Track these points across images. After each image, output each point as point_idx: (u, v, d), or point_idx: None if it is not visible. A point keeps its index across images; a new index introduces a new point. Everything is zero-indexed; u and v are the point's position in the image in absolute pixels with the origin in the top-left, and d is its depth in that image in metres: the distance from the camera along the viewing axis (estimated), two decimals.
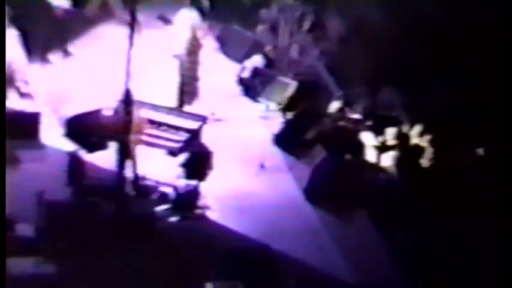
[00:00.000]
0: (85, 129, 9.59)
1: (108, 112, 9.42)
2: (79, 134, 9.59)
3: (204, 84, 11.06)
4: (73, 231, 8.36)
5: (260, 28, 12.58)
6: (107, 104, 9.43)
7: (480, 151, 9.81)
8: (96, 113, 9.65)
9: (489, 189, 9.06)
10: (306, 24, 12.37)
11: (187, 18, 10.89)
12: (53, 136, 9.87)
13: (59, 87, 10.88)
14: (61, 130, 9.76)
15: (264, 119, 11.35)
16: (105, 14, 12.43)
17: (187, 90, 10.94)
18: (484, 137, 9.62)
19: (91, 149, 9.51)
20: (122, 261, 8.26)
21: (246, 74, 12.02)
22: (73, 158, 9.34)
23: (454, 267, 8.57)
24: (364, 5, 11.52)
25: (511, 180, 8.83)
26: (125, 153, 8.93)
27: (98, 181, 9.22)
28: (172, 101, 10.87)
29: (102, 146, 9.45)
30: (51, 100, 10.55)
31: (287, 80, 11.67)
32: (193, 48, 10.83)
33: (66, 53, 11.82)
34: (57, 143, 9.77)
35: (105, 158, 9.33)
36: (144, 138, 9.45)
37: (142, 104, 9.67)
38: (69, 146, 9.54)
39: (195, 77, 10.98)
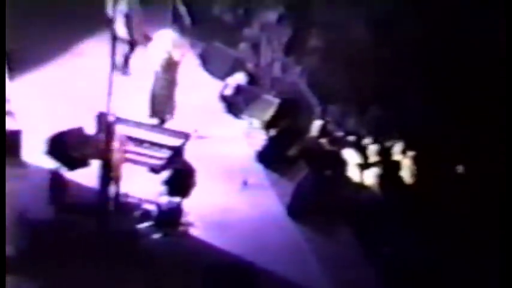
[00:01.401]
0: (66, 147, 9.53)
1: (89, 130, 9.39)
2: (60, 152, 9.52)
3: (186, 101, 11.07)
4: (55, 250, 8.28)
5: (242, 46, 12.64)
6: (89, 122, 9.40)
7: (460, 168, 9.88)
8: (77, 131, 9.61)
9: (471, 204, 9.12)
10: (288, 42, 12.45)
11: (165, 38, 10.93)
12: (34, 154, 9.80)
13: (40, 105, 10.84)
14: (42, 148, 9.69)
15: (247, 136, 11.37)
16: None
17: (162, 108, 10.94)
18: (467, 153, 9.69)
19: (72, 166, 9.45)
20: (104, 279, 8.19)
21: (228, 92, 12.05)
22: (54, 175, 9.29)
23: (437, 282, 8.59)
24: (346, 22, 11.62)
25: (494, 195, 8.90)
26: (107, 171, 8.89)
27: (79, 199, 9.16)
28: (153, 119, 10.87)
29: (83, 164, 9.40)
30: (33, 118, 10.50)
31: (270, 97, 11.72)
32: (170, 66, 10.85)
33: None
34: (39, 161, 9.70)
35: (86, 176, 9.28)
36: (127, 155, 9.43)
37: (125, 121, 9.66)
38: (51, 163, 9.48)
39: (170, 95, 10.98)
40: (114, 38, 8.77)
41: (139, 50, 11.96)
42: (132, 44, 11.94)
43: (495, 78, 9.24)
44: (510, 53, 9.02)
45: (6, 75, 10.59)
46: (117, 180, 9.07)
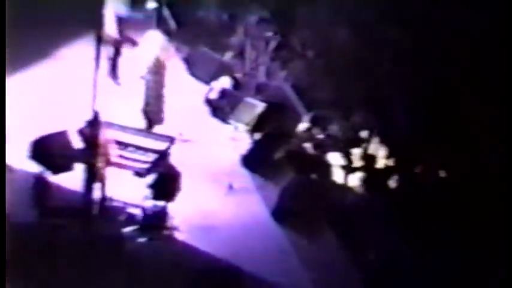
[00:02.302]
0: (50, 150, 9.48)
1: (74, 133, 9.34)
2: (44, 156, 9.46)
3: (172, 105, 11.05)
4: (38, 254, 8.22)
5: (228, 50, 12.65)
6: (73, 125, 9.35)
7: (443, 172, 9.94)
8: (62, 135, 9.55)
9: (456, 208, 9.17)
10: (273, 47, 12.47)
11: (153, 40, 10.91)
12: (18, 158, 9.73)
13: (23, 109, 10.77)
14: (26, 152, 9.62)
15: (232, 140, 11.37)
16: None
17: (152, 111, 10.92)
18: (451, 157, 9.75)
19: (56, 170, 9.39)
20: (89, 283, 8.14)
21: (213, 95, 12.05)
22: (38, 179, 9.23)
23: (423, 286, 8.62)
24: (331, 27, 11.66)
25: (479, 198, 8.96)
26: (92, 175, 8.85)
27: (63, 203, 9.11)
28: (140, 122, 10.83)
29: (67, 168, 9.34)
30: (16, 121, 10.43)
31: (255, 101, 11.73)
32: (158, 69, 10.84)
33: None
34: (22, 165, 9.63)
35: (71, 180, 9.22)
36: (111, 159, 9.39)
37: (110, 124, 9.62)
38: (35, 167, 9.41)
39: (159, 98, 10.96)
40: (99, 40, 8.75)
41: (126, 54, 11.95)
42: (119, 48, 11.92)
43: (481, 82, 9.31)
44: (496, 56, 9.09)
45: None
46: (101, 184, 9.03)
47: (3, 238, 7.40)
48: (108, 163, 9.13)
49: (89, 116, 8.95)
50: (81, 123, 9.12)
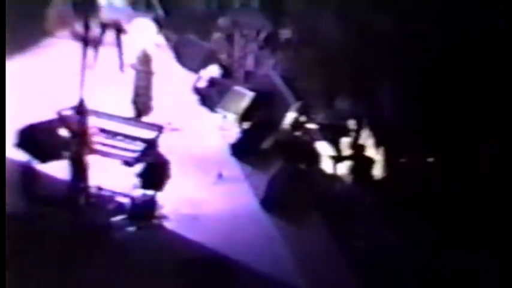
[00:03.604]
0: (38, 139, 9.42)
1: (61, 121, 9.27)
2: (31, 144, 9.40)
3: (160, 94, 11.01)
4: (26, 243, 8.18)
5: (215, 36, 12.58)
6: (60, 114, 9.27)
7: (432, 162, 9.96)
8: (49, 123, 9.49)
9: (444, 198, 9.21)
10: (262, 35, 12.43)
11: (141, 28, 10.85)
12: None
13: (9, 96, 10.68)
14: (13, 140, 9.56)
15: (221, 128, 11.35)
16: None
17: (141, 100, 10.88)
18: (439, 147, 9.77)
19: (44, 159, 9.33)
20: (77, 272, 8.12)
21: (202, 84, 12.01)
22: (26, 168, 9.17)
23: (410, 276, 8.66)
24: (320, 15, 11.63)
25: (468, 188, 9.00)
26: (79, 163, 8.81)
27: (51, 192, 9.06)
28: (128, 111, 10.79)
29: (55, 156, 9.29)
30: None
31: (244, 90, 11.70)
32: (147, 58, 10.79)
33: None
34: (9, 154, 9.56)
35: (59, 168, 9.17)
36: (99, 148, 9.35)
37: (98, 113, 9.57)
38: (22, 156, 9.35)
39: (148, 86, 10.92)
40: (87, 27, 8.70)
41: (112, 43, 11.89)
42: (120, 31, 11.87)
43: (472, 71, 9.32)
44: (489, 44, 9.09)
45: None
46: (85, 172, 8.96)
47: (3, 237, 7.36)
48: (92, 151, 9.08)
49: (75, 105, 8.91)
50: (68, 112, 9.06)
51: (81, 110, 8.84)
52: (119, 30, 11.87)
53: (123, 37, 11.58)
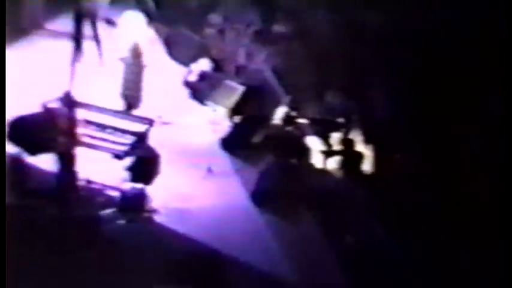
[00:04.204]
0: (28, 131, 9.37)
1: (46, 113, 9.21)
2: (21, 137, 9.35)
3: (151, 87, 10.98)
4: (15, 236, 8.14)
5: (207, 31, 12.57)
6: (45, 106, 9.21)
7: (422, 158, 9.99)
8: (40, 115, 9.44)
9: (434, 194, 9.24)
10: (253, 29, 12.42)
11: (132, 21, 10.80)
12: None
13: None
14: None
15: (211, 122, 11.34)
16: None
17: (131, 93, 10.85)
18: (432, 142, 9.80)
19: (34, 151, 9.29)
20: (66, 265, 8.09)
21: (192, 78, 11.99)
22: (15, 161, 9.13)
23: (398, 270, 8.70)
24: (312, 11, 11.62)
25: (459, 184, 9.04)
26: (66, 156, 8.77)
27: (41, 184, 9.03)
28: (118, 104, 10.75)
29: (46, 149, 9.25)
30: None
31: (234, 84, 11.69)
32: (137, 51, 10.75)
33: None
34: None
35: (48, 161, 9.14)
36: (88, 140, 9.32)
37: (87, 106, 9.54)
38: (12, 148, 9.30)
39: (139, 80, 10.89)
40: (79, 17, 8.66)
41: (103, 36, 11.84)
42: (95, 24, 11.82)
43: (464, 66, 9.34)
44: (481, 38, 9.11)
45: None
46: (71, 165, 8.91)
47: (3, 238, 7.33)
48: (80, 143, 9.04)
49: (62, 97, 8.88)
50: (56, 104, 9.02)
51: (66, 101, 8.80)
52: (94, 22, 11.80)
53: (113, 30, 11.53)
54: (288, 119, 11.12)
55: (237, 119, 11.31)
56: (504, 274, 7.58)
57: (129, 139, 9.57)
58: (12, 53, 11.49)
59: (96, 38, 11.85)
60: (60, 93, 8.92)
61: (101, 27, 12.14)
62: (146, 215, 9.19)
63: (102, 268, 8.16)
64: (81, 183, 9.18)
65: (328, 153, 10.52)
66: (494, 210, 8.14)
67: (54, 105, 9.04)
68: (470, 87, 9.28)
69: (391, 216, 9.28)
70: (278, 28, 12.34)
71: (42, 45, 12.06)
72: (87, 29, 11.55)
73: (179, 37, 12.62)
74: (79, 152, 9.07)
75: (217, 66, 12.24)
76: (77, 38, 8.83)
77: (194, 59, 12.20)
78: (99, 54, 11.81)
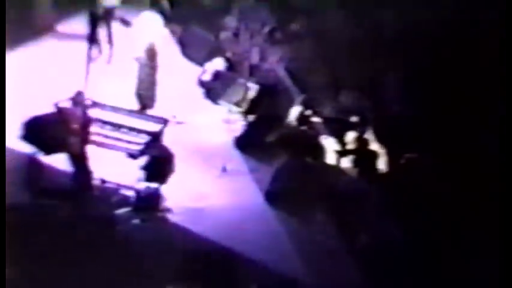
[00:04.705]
0: (43, 131, 9.42)
1: (58, 113, 9.25)
2: (36, 136, 9.40)
3: (165, 86, 11.00)
4: (31, 235, 8.21)
5: (223, 35, 12.59)
6: (57, 105, 9.26)
7: (436, 157, 9.96)
8: (51, 115, 9.48)
9: (449, 193, 9.21)
10: (267, 29, 12.42)
11: (147, 21, 10.83)
12: (10, 138, 9.67)
13: (15, 88, 10.70)
14: (18, 132, 9.57)
15: (226, 122, 11.35)
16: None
17: (146, 93, 10.88)
18: (444, 141, 9.77)
19: (49, 151, 9.34)
20: (81, 264, 8.14)
21: (207, 77, 12.00)
22: (31, 160, 9.18)
23: (414, 269, 8.67)
24: (325, 9, 11.61)
25: (470, 183, 9.01)
26: (78, 155, 8.81)
27: (56, 184, 9.08)
28: (133, 104, 10.79)
29: (60, 149, 9.29)
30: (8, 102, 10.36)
31: (248, 83, 11.69)
32: (152, 51, 10.78)
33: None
34: (15, 146, 9.58)
35: (63, 161, 9.19)
36: (103, 140, 9.35)
37: (102, 105, 9.58)
38: (27, 148, 9.36)
39: (153, 80, 10.92)
40: (94, 18, 8.68)
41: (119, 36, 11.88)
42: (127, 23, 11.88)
43: (475, 66, 9.30)
44: (491, 38, 9.08)
45: None
46: (83, 164, 8.94)
47: (3, 237, 7.38)
48: (92, 143, 9.07)
49: (75, 96, 8.92)
50: (62, 102, 9.06)
51: (78, 101, 8.84)
52: (109, 23, 11.84)
53: (128, 30, 11.56)
54: (302, 118, 11.12)
55: (251, 118, 11.31)
56: None
57: (144, 138, 9.59)
58: (24, 54, 11.62)
59: (109, 39, 11.89)
60: (72, 93, 8.96)
61: (116, 27, 12.17)
62: (161, 214, 9.22)
63: (116, 268, 8.19)
64: (95, 182, 9.22)
65: (343, 152, 10.50)
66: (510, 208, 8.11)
67: (66, 105, 9.08)
68: (486, 86, 9.26)
69: (405, 216, 9.25)
70: (292, 27, 12.34)
71: (56, 46, 12.13)
72: (101, 30, 11.62)
73: (193, 36, 12.64)
74: (93, 151, 9.11)
75: (232, 65, 12.24)
76: (92, 39, 8.88)
77: (208, 58, 12.22)
78: (110, 54, 11.86)
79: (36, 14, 12.46)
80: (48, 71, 11.31)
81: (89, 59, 8.74)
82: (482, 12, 9.23)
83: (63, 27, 12.68)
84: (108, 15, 11.82)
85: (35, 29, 12.33)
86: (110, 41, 11.91)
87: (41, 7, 12.48)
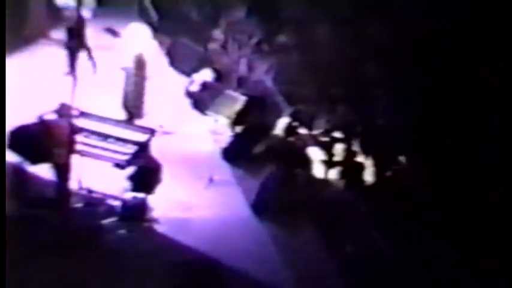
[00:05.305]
0: (29, 140, 9.38)
1: (45, 126, 9.22)
2: (23, 146, 9.36)
3: (152, 97, 11.00)
4: (16, 244, 8.14)
5: (211, 46, 12.63)
6: (41, 118, 9.24)
7: (423, 169, 10.01)
8: (39, 125, 9.44)
9: (435, 203, 9.24)
10: (255, 40, 12.47)
11: (136, 32, 10.86)
12: None
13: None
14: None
15: (213, 132, 11.36)
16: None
17: (133, 103, 10.87)
18: (431, 154, 9.81)
19: (35, 160, 9.30)
20: (67, 274, 8.09)
21: (194, 88, 12.02)
22: (17, 170, 9.14)
23: (400, 279, 8.68)
24: (313, 21, 11.67)
25: (458, 193, 9.05)
26: (63, 165, 8.78)
27: (42, 193, 9.04)
28: (120, 114, 10.78)
29: (46, 158, 9.25)
30: None
31: (236, 94, 11.72)
32: (141, 61, 10.79)
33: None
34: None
35: (50, 170, 9.15)
36: (90, 150, 9.32)
37: (89, 116, 9.56)
38: (13, 157, 9.32)
39: (141, 91, 10.92)
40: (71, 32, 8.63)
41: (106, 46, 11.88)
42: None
43: (466, 82, 9.37)
44: (485, 48, 9.13)
45: None
46: (66, 174, 8.90)
47: (3, 237, 7.32)
48: (77, 153, 9.04)
49: (60, 107, 8.90)
50: (54, 114, 9.05)
51: (62, 113, 8.83)
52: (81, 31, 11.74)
53: (115, 41, 11.58)
54: (289, 130, 11.15)
55: (238, 129, 11.32)
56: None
57: (131, 149, 9.56)
58: (15, 61, 11.59)
59: (86, 47, 11.79)
60: (56, 105, 8.95)
61: (104, 37, 12.19)
62: (147, 224, 9.19)
63: (103, 277, 8.15)
64: (82, 192, 9.18)
65: (330, 163, 10.53)
66: (498, 221, 8.14)
67: (50, 117, 9.06)
68: (473, 100, 9.31)
69: (391, 227, 9.27)
70: (280, 39, 12.40)
71: (46, 53, 12.10)
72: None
73: (181, 47, 12.67)
74: (80, 161, 9.08)
75: (219, 76, 12.28)
76: (69, 47, 8.86)
77: (196, 69, 12.25)
78: (92, 63, 11.79)
79: (28, 20, 12.38)
80: (36, 78, 11.30)
81: (72, 69, 8.72)
82: (470, 23, 9.30)
83: (54, 33, 12.61)
84: (80, 24, 11.73)
85: (25, 34, 12.30)
86: (88, 50, 11.81)
87: (33, 13, 12.38)
